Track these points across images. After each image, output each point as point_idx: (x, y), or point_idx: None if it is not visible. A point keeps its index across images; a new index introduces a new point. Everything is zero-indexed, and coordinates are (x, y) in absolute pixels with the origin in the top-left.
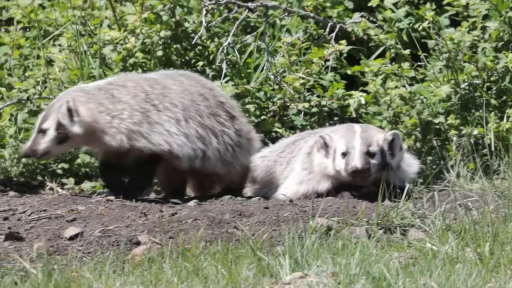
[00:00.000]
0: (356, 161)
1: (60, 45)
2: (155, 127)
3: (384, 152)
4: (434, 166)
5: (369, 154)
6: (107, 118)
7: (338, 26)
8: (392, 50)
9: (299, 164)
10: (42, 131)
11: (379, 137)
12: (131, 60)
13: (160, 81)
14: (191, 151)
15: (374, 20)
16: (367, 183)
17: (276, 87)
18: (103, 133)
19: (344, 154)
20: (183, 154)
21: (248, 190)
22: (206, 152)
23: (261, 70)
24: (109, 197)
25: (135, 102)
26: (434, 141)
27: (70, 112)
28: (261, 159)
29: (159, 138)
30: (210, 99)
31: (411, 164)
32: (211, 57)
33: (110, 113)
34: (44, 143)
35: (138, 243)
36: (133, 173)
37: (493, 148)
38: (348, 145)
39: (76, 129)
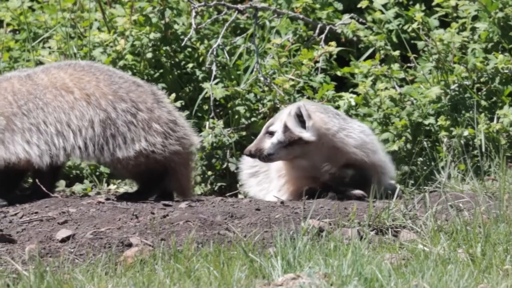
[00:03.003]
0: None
1: (50, 47)
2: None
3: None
4: (425, 167)
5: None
6: None
7: (327, 28)
8: (382, 52)
9: None
10: None
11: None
12: (121, 63)
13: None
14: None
15: (364, 21)
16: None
17: (266, 88)
18: None
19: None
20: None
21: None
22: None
23: (251, 72)
24: (100, 199)
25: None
26: (425, 143)
27: None
28: None
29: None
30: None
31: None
32: (201, 59)
33: None
34: None
35: (130, 245)
36: None
37: (483, 149)
38: None
39: None
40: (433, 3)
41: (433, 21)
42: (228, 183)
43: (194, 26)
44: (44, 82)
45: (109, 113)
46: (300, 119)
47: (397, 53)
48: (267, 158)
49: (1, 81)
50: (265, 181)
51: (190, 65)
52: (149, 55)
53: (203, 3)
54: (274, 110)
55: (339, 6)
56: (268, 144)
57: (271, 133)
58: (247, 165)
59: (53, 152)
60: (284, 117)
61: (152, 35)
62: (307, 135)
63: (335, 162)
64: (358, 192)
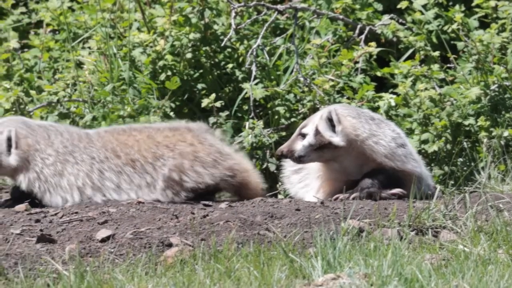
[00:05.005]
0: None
1: (89, 47)
2: None
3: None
4: (465, 168)
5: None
6: None
7: (367, 28)
8: (422, 52)
9: None
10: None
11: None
12: (161, 63)
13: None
14: None
15: (404, 22)
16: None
17: (305, 89)
18: None
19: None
20: None
21: None
22: None
23: (291, 72)
24: (140, 200)
25: None
26: (465, 143)
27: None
28: None
29: None
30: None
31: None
32: (240, 59)
33: None
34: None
35: (170, 245)
36: None
37: None
38: None
39: None
40: (473, 4)
41: (473, 21)
42: (268, 183)
43: (233, 26)
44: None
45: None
46: (331, 123)
47: (437, 53)
48: (298, 159)
49: None
50: (307, 178)
51: (230, 65)
52: (189, 55)
53: (242, 4)
54: (314, 110)
55: (379, 7)
56: (299, 146)
57: (304, 135)
58: (290, 163)
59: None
60: (316, 120)
61: (191, 35)
62: (336, 139)
63: (365, 167)
64: (396, 190)
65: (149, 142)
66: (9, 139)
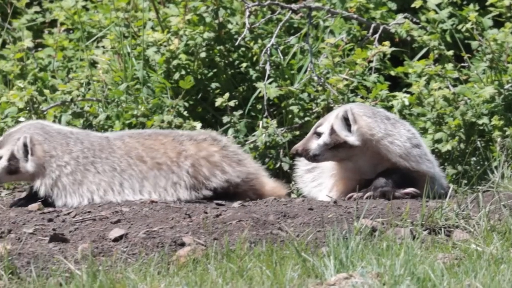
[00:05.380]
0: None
1: (103, 47)
2: None
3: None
4: (478, 167)
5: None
6: None
7: (381, 27)
8: (436, 51)
9: None
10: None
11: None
12: (175, 62)
13: None
14: None
15: (418, 21)
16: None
17: (319, 88)
18: None
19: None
20: None
21: None
22: None
23: (305, 72)
24: (153, 199)
25: None
26: (478, 142)
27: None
28: None
29: None
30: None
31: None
32: (254, 58)
33: None
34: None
35: (182, 244)
36: None
37: None
38: None
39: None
40: (487, 3)
41: (487, 21)
42: (281, 183)
43: (247, 25)
44: None
45: None
46: (346, 122)
47: (451, 52)
48: (312, 158)
49: None
50: (321, 177)
51: (244, 64)
52: (203, 54)
53: (256, 3)
54: (328, 109)
55: (393, 6)
56: (314, 145)
57: (319, 134)
58: (303, 162)
59: None
60: (331, 119)
61: (206, 35)
62: (352, 139)
63: (380, 167)
64: (409, 189)
65: (173, 143)
66: (25, 146)
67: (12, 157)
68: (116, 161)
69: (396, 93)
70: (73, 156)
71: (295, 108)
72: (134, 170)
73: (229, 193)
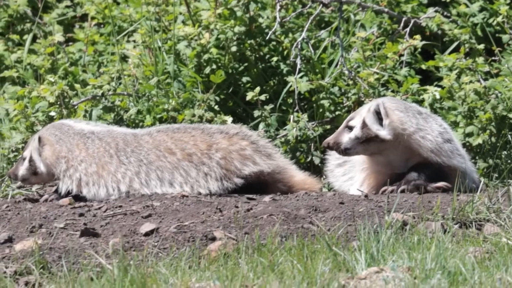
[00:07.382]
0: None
1: (134, 41)
2: None
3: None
4: (509, 161)
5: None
6: None
7: (412, 21)
8: (467, 45)
9: None
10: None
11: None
12: (206, 56)
13: None
14: None
15: (448, 15)
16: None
17: (350, 82)
18: None
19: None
20: None
21: None
22: None
23: (336, 66)
24: (184, 193)
25: None
26: (509, 136)
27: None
28: None
29: None
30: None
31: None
32: (285, 52)
33: None
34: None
35: (213, 239)
36: None
37: None
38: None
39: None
40: None
41: None
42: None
43: (278, 19)
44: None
45: None
46: (378, 116)
47: (481, 46)
48: (344, 152)
49: None
50: (352, 171)
51: (275, 58)
52: (234, 48)
53: None
54: (359, 103)
55: (424, 0)
56: (346, 138)
57: (350, 128)
58: (334, 156)
59: None
60: (363, 113)
61: (236, 29)
62: (383, 133)
63: (411, 161)
64: (441, 183)
65: (203, 135)
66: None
67: (31, 158)
68: (143, 154)
69: (427, 87)
70: (89, 153)
71: (325, 102)
72: (163, 162)
73: (259, 182)
